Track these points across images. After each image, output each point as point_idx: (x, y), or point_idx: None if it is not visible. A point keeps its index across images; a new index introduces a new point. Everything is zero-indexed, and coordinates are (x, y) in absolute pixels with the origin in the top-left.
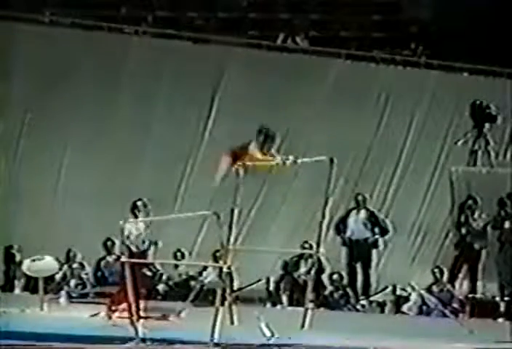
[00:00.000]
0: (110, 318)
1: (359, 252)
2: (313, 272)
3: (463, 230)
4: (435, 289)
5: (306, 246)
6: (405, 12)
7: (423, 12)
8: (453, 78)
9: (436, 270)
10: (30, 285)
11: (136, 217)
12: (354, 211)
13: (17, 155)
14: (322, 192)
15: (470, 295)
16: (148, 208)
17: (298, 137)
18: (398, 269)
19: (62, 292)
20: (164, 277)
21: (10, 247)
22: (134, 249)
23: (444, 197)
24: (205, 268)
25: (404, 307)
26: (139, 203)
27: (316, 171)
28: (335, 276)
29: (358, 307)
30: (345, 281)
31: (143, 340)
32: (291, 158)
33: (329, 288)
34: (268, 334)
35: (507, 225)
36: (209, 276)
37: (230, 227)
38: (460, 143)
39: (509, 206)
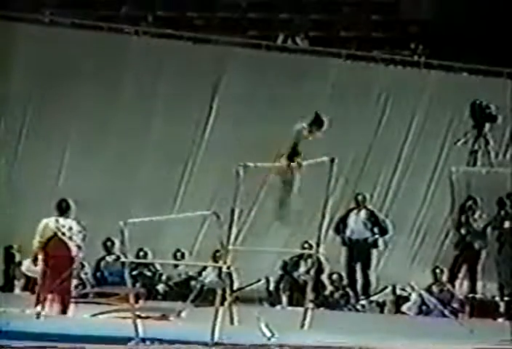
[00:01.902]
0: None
1: (359, 252)
2: (312, 272)
3: (463, 230)
4: (435, 289)
5: (306, 246)
6: (405, 12)
7: (423, 12)
8: (453, 78)
9: (437, 270)
10: (30, 285)
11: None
12: (354, 211)
13: (17, 155)
14: (322, 192)
15: (470, 295)
16: (72, 209)
17: None
18: (398, 269)
19: None
20: (164, 277)
21: (10, 247)
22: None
23: (444, 197)
24: (205, 268)
25: (404, 307)
26: (63, 203)
27: (316, 171)
28: (335, 276)
29: (358, 307)
30: (345, 281)
31: (143, 340)
32: (298, 160)
33: (329, 288)
34: (268, 334)
35: (506, 224)
36: (209, 276)
37: (230, 227)
38: (460, 143)
39: (509, 206)
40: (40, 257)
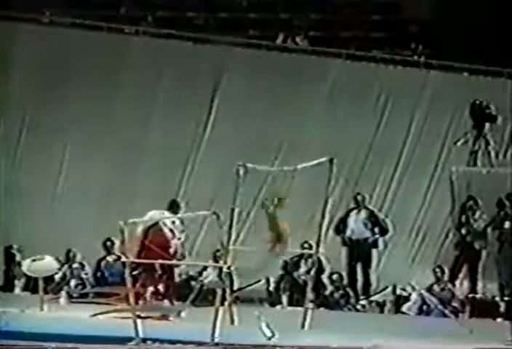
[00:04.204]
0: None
1: (359, 252)
2: (312, 272)
3: (463, 230)
4: (436, 288)
5: (306, 246)
6: (405, 12)
7: (423, 12)
8: (453, 78)
9: (438, 270)
10: (30, 285)
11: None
12: (354, 211)
13: (17, 155)
14: (322, 192)
15: (470, 295)
16: (180, 209)
17: (298, 137)
18: (398, 269)
19: (62, 292)
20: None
21: (10, 247)
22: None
23: (444, 197)
24: (205, 268)
25: (404, 307)
26: (174, 203)
27: (315, 171)
28: (335, 276)
29: (358, 307)
30: (345, 281)
31: (143, 340)
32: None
33: (329, 288)
34: (268, 334)
35: (507, 224)
36: (209, 276)
37: (230, 227)
38: (459, 143)
39: (509, 206)
40: (136, 249)
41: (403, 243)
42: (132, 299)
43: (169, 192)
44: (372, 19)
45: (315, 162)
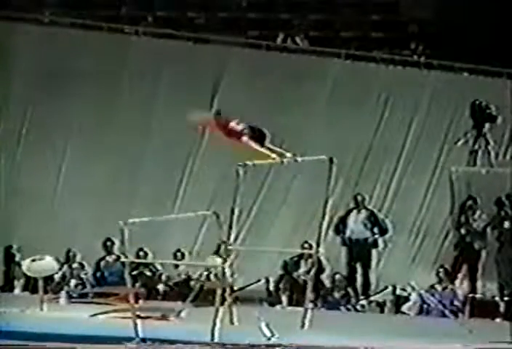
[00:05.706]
0: None
1: (359, 252)
2: (312, 272)
3: (463, 230)
4: (438, 288)
5: (306, 246)
6: (405, 12)
7: (423, 12)
8: (453, 78)
9: (441, 270)
10: (30, 285)
11: None
12: (354, 211)
13: (17, 155)
14: (322, 192)
15: (470, 295)
16: None
17: (298, 137)
18: (398, 269)
19: (62, 292)
20: (164, 277)
21: (10, 247)
22: None
23: (444, 197)
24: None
25: (404, 307)
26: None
27: (315, 171)
28: (338, 276)
29: (358, 307)
30: (345, 281)
31: (143, 340)
32: (288, 155)
33: (330, 288)
34: (268, 334)
35: (506, 224)
36: (209, 276)
37: (230, 227)
38: (460, 143)
39: (508, 206)
40: None
41: (403, 243)
42: (131, 299)
43: (169, 192)
44: (371, 19)
45: (315, 158)
